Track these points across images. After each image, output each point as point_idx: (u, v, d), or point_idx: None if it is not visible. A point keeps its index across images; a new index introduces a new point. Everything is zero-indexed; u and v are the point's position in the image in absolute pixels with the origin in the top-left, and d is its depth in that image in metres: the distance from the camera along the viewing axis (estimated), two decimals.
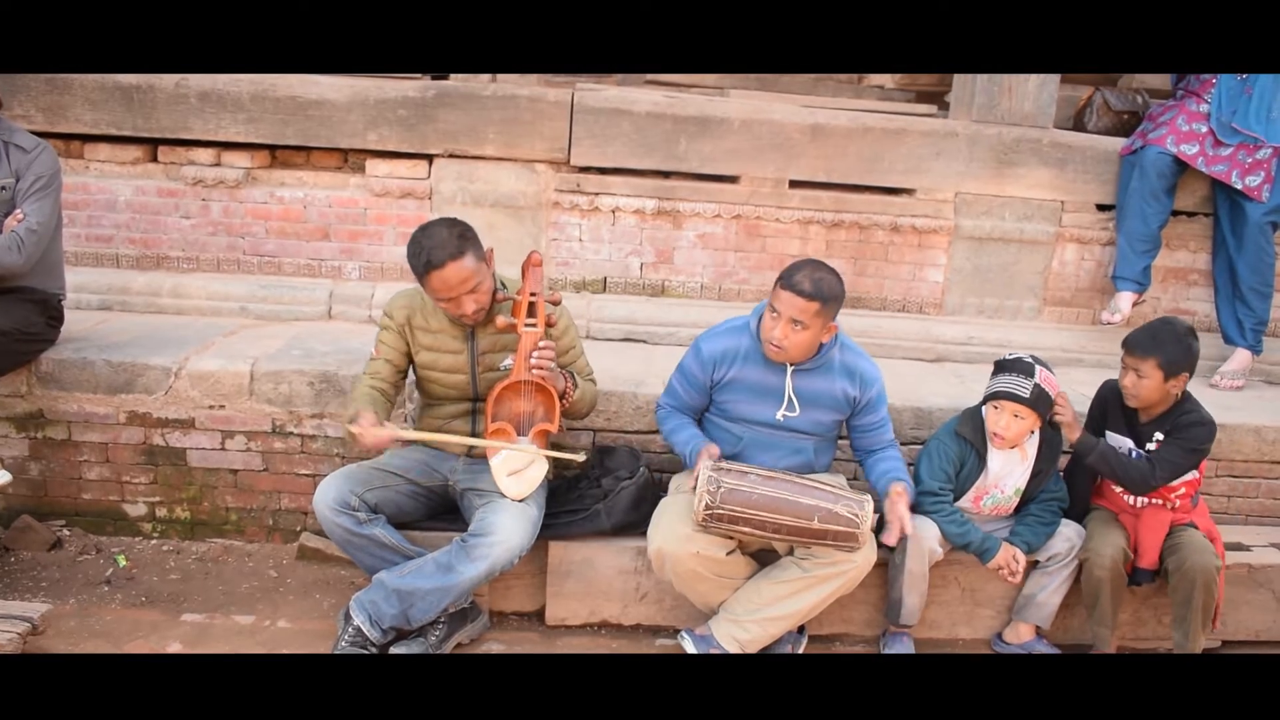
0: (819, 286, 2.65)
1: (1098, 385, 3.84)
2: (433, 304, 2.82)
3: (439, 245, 2.64)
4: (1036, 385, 2.87)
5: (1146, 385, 2.89)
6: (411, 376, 3.00)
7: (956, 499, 3.00)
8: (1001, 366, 2.97)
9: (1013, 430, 2.90)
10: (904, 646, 3.00)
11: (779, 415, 2.83)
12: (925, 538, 2.89)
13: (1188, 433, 2.93)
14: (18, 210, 3.07)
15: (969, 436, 2.99)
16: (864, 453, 2.98)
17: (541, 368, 2.67)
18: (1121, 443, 3.04)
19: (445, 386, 2.89)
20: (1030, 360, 2.92)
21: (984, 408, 2.99)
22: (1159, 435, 2.96)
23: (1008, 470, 2.98)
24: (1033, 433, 2.97)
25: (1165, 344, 2.86)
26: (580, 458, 2.85)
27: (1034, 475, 3.01)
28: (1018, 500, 3.04)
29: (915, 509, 2.96)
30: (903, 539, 2.89)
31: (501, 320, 2.71)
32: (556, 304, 2.83)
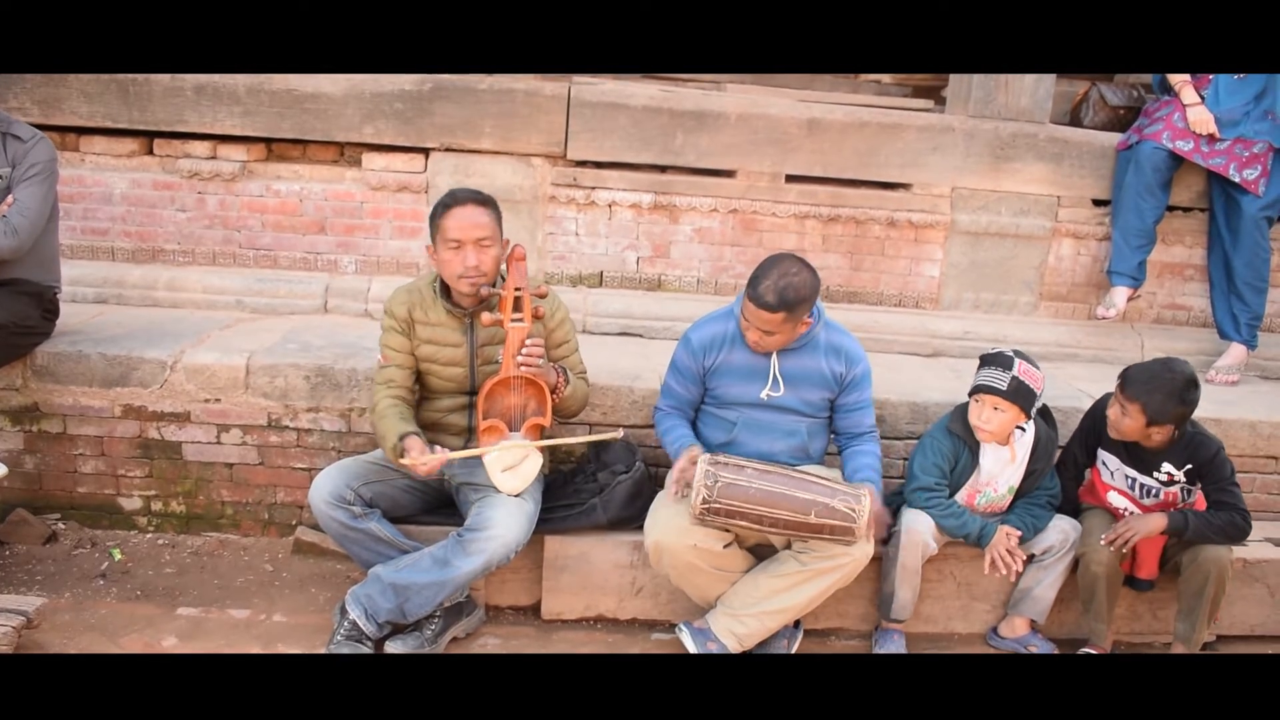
0: (783, 296, 2.65)
1: (1094, 380, 3.83)
2: (431, 296, 2.82)
3: (464, 191, 2.76)
4: (1014, 378, 2.87)
5: (1127, 424, 2.89)
6: None
7: (951, 495, 3.00)
8: (983, 361, 2.98)
9: (994, 423, 2.91)
10: (895, 645, 2.99)
11: (763, 394, 2.85)
12: (918, 531, 2.89)
13: (1218, 467, 2.93)
14: (10, 195, 3.06)
15: (960, 433, 2.99)
16: (845, 437, 2.97)
17: (529, 364, 2.66)
18: (1110, 460, 3.05)
19: (444, 379, 2.88)
20: (1011, 354, 2.93)
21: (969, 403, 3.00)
22: (1169, 467, 2.95)
23: (1000, 468, 2.99)
24: (1023, 430, 2.97)
25: (1155, 394, 2.81)
26: (619, 434, 2.87)
27: (1029, 474, 3.02)
28: (1011, 498, 3.04)
29: (909, 504, 2.99)
30: (896, 532, 2.91)
31: (487, 317, 2.67)
32: (543, 297, 2.81)
